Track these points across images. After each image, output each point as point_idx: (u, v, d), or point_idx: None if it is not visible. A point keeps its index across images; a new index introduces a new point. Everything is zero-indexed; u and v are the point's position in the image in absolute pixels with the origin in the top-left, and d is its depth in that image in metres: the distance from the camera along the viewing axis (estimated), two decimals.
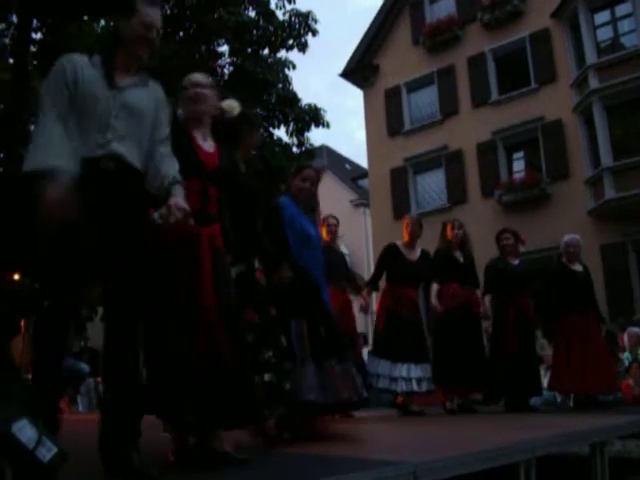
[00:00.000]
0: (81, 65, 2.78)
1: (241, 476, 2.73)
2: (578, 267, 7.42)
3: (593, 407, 7.01)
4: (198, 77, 3.46)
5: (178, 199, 2.74)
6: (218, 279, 3.08)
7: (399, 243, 7.02)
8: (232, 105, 3.72)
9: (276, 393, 3.58)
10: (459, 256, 7.15)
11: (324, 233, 6.75)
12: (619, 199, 16.63)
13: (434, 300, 6.92)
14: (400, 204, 21.57)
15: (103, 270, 2.69)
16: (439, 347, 6.96)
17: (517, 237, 7.43)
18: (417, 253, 6.94)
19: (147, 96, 2.94)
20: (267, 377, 3.57)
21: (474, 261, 7.29)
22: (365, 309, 6.72)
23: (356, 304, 6.99)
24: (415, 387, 6.47)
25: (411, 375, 6.44)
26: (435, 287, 6.97)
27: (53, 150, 2.55)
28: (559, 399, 8.13)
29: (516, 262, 7.35)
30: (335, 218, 7.05)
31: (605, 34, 18.28)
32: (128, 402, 2.61)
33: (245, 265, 3.71)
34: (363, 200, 32.85)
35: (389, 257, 6.98)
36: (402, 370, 6.43)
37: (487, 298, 7.29)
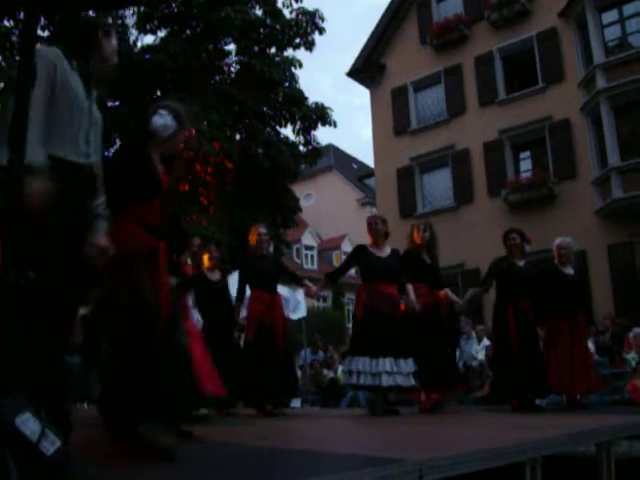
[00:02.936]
0: (66, 65, 2.86)
1: (239, 475, 2.71)
2: (570, 270, 7.42)
3: (583, 408, 7.11)
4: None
5: (98, 236, 2.98)
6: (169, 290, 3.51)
7: (368, 244, 7.03)
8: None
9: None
10: (426, 258, 7.18)
11: (255, 243, 7.14)
12: (626, 199, 16.58)
13: (412, 297, 6.85)
14: (406, 203, 21.58)
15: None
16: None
17: (523, 237, 7.42)
18: (387, 251, 6.93)
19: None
20: None
21: (438, 263, 7.35)
22: (312, 295, 7.32)
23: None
24: (399, 381, 6.40)
25: (394, 369, 6.35)
26: (411, 287, 6.95)
27: (37, 145, 2.62)
28: (565, 399, 8.11)
29: (522, 264, 7.33)
30: (264, 228, 7.37)
31: (613, 33, 18.20)
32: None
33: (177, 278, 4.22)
34: (369, 199, 32.87)
35: (355, 256, 7.04)
36: (385, 364, 6.34)
37: (470, 291, 7.49)
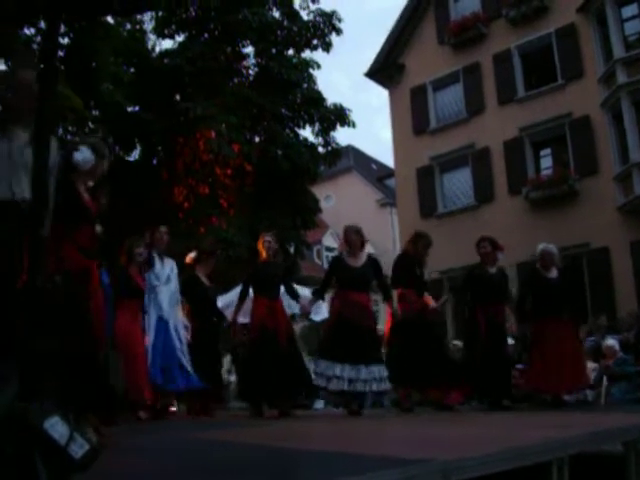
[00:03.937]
0: None
1: (259, 474, 2.70)
2: (553, 274, 7.63)
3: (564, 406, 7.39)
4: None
5: None
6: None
7: (344, 254, 7.17)
8: None
9: None
10: (417, 267, 7.44)
11: (262, 250, 7.32)
12: None
13: (396, 305, 7.22)
14: (427, 203, 21.52)
15: None
16: (398, 349, 7.16)
17: (495, 245, 7.59)
18: (362, 259, 7.05)
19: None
20: None
21: (424, 271, 7.67)
22: (305, 313, 7.64)
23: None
24: (345, 387, 6.53)
25: (344, 375, 6.50)
26: (395, 293, 7.28)
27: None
28: (590, 397, 8.08)
29: (493, 270, 7.58)
30: (271, 236, 7.49)
31: (632, 28, 18.02)
32: None
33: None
34: (390, 200, 32.79)
35: (332, 268, 7.28)
36: (336, 369, 6.52)
37: (443, 298, 8.01)
